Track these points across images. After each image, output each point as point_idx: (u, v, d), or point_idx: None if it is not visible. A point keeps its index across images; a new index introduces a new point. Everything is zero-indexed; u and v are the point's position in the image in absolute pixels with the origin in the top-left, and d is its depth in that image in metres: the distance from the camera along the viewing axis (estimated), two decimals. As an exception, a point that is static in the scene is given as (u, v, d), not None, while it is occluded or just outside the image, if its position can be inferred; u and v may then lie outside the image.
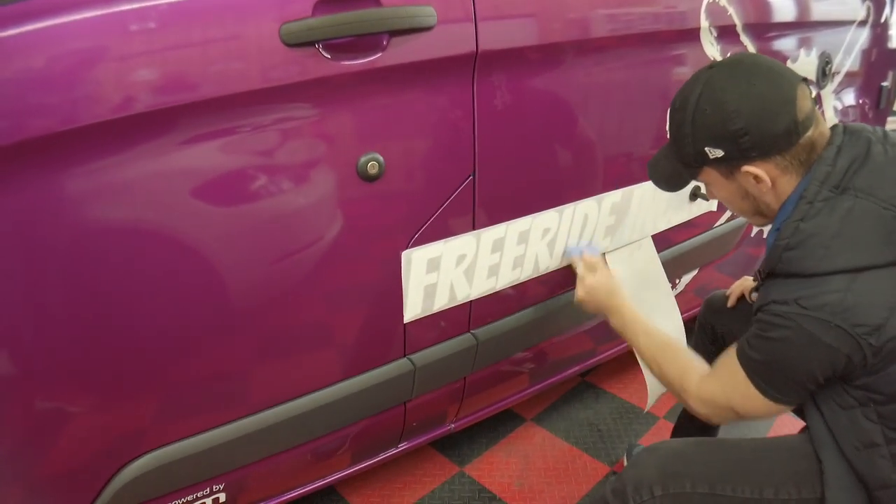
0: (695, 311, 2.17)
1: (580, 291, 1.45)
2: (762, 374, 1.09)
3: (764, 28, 1.77)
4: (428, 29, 1.10)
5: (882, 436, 1.06)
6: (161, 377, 1.11)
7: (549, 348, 1.73)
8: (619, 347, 2.00)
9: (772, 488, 1.14)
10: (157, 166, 0.97)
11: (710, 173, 1.13)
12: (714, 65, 1.10)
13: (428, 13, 1.09)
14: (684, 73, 1.61)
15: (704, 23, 1.56)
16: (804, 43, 1.95)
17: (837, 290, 0.98)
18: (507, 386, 1.74)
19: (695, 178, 1.18)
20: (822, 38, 2.03)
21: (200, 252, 1.05)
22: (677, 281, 1.97)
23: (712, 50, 1.63)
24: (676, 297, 1.94)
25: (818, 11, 1.97)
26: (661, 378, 1.29)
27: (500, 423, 2.04)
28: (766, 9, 1.76)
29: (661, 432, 1.98)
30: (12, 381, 0.98)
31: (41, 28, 0.85)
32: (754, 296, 1.59)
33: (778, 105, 1.02)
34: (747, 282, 1.61)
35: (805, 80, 1.07)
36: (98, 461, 1.11)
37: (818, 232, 1.02)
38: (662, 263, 1.78)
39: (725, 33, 1.65)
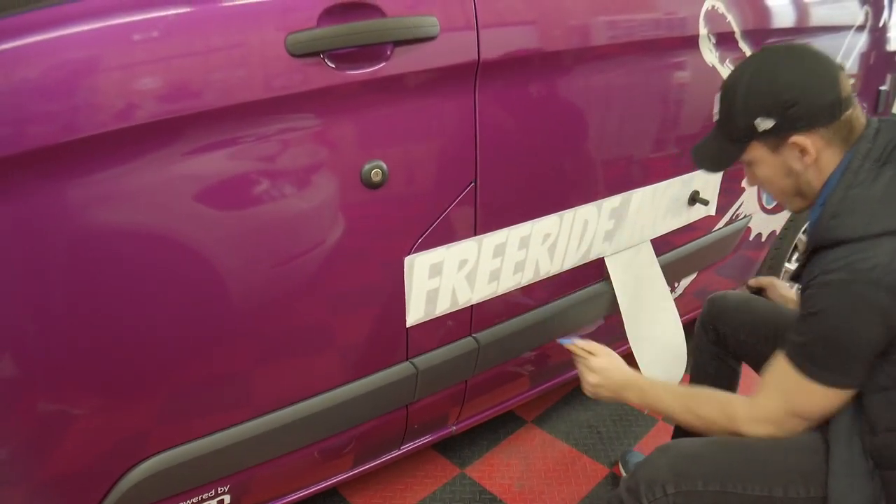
0: (694, 313, 2.19)
1: (591, 378, 1.42)
2: (816, 358, 1.09)
3: (762, 34, 1.77)
4: (431, 39, 1.12)
5: None
6: (169, 380, 1.12)
7: (549, 351, 1.74)
8: (620, 350, 1.99)
9: (780, 487, 1.16)
10: (168, 173, 0.98)
11: (757, 149, 1.18)
12: (764, 48, 1.20)
13: (431, 23, 1.10)
14: (683, 79, 1.62)
15: (703, 30, 1.57)
16: (802, 48, 1.97)
17: (886, 251, 1.02)
18: (507, 388, 1.75)
19: (741, 155, 1.21)
20: (819, 44, 2.00)
21: (208, 258, 1.07)
22: (676, 284, 1.98)
23: (711, 57, 1.64)
24: (676, 300, 1.96)
25: (816, 17, 1.98)
26: (704, 426, 1.25)
27: (501, 426, 2.05)
28: (764, 15, 1.77)
29: (660, 434, 2.00)
30: (23, 385, 0.99)
31: (57, 37, 0.87)
32: (785, 291, 1.64)
33: (824, 81, 1.10)
34: (776, 281, 1.66)
35: (843, 67, 1.15)
36: (105, 463, 1.12)
37: (865, 197, 1.07)
38: (662, 267, 1.79)
39: (724, 40, 1.66)
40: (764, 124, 1.13)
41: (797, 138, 1.12)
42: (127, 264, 1.00)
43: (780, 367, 1.15)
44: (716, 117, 1.25)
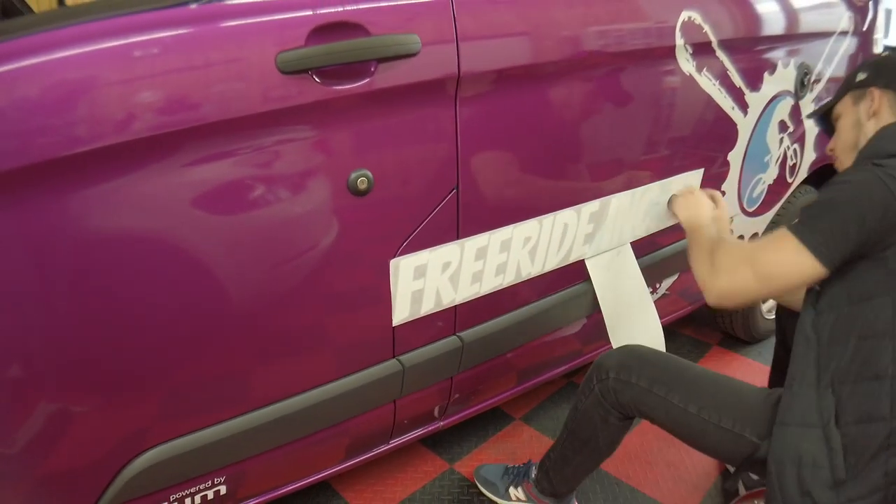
0: (676, 314, 2.24)
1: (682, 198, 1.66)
2: (808, 217, 1.16)
3: (740, 42, 1.81)
4: (413, 55, 1.17)
5: (893, 327, 1.13)
6: (169, 377, 1.17)
7: (531, 350, 1.78)
8: (602, 349, 2.04)
9: (696, 405, 1.32)
10: (169, 182, 1.04)
11: (846, 101, 1.40)
12: None
13: (413, 41, 1.16)
14: (660, 88, 1.67)
15: (680, 41, 1.62)
16: (782, 55, 2.00)
17: None
18: (492, 385, 1.79)
19: (837, 103, 1.43)
20: (801, 50, 2.07)
21: (207, 263, 1.12)
22: (658, 285, 2.02)
23: (688, 66, 1.69)
24: (658, 300, 2.01)
25: (796, 25, 2.01)
26: (695, 256, 1.40)
27: (490, 422, 2.09)
28: (741, 25, 1.80)
29: (643, 430, 2.06)
30: (34, 380, 1.04)
31: (67, 56, 0.93)
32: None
33: None
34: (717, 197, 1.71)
35: None
36: (108, 454, 1.17)
37: None
38: (645, 268, 1.83)
39: (701, 49, 1.70)
40: (860, 76, 1.37)
41: (875, 90, 1.32)
42: (129, 269, 1.06)
43: (777, 230, 1.23)
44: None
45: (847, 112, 1.39)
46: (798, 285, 1.19)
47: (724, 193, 2.00)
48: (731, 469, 1.50)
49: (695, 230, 1.50)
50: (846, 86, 1.41)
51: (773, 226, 2.31)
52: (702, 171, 1.86)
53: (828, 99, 1.53)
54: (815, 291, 1.24)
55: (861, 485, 1.14)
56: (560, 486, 1.61)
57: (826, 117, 1.50)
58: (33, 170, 0.93)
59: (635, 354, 1.43)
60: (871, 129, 1.32)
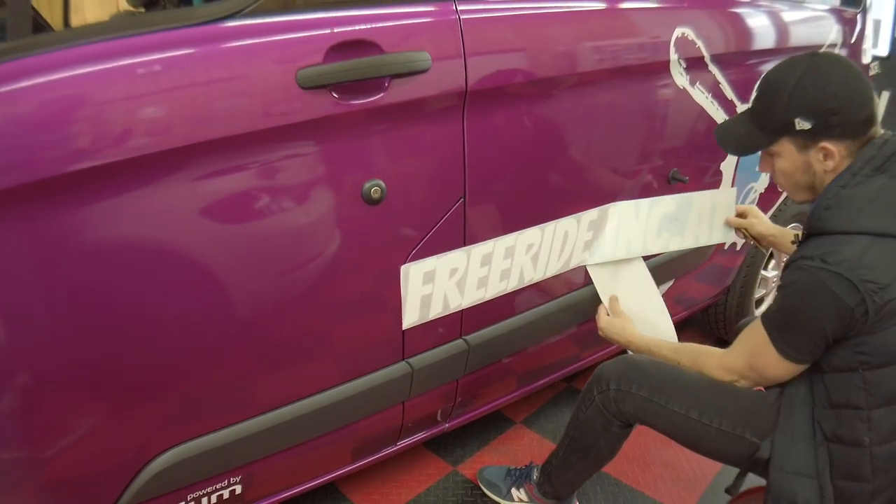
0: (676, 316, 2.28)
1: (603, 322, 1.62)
2: (779, 327, 1.22)
3: (731, 57, 1.87)
4: (424, 71, 1.23)
5: (864, 400, 1.19)
6: (188, 381, 1.21)
7: (535, 353, 1.82)
8: (600, 353, 2.09)
9: (697, 410, 1.35)
10: (193, 193, 1.09)
11: (786, 144, 1.25)
12: (815, 54, 1.26)
13: (424, 58, 1.22)
14: (655, 100, 1.72)
15: (674, 56, 1.68)
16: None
17: (857, 249, 1.13)
18: (496, 388, 1.83)
19: (769, 146, 1.29)
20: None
21: (228, 272, 1.17)
22: None
23: (682, 80, 1.74)
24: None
25: (786, 38, 2.07)
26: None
27: (492, 426, 2.11)
28: (732, 39, 1.87)
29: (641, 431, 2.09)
30: (56, 388, 1.08)
31: (98, 71, 0.98)
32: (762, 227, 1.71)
33: (865, 98, 1.20)
34: (755, 211, 1.74)
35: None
36: (129, 455, 1.20)
37: (855, 197, 1.17)
38: None
39: (694, 64, 1.76)
40: (802, 125, 1.20)
41: (827, 144, 1.20)
42: (154, 280, 1.11)
43: (755, 327, 1.28)
44: (750, 104, 1.33)
45: (789, 156, 1.26)
46: (794, 375, 1.27)
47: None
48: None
49: (642, 350, 1.52)
50: (781, 126, 1.24)
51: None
52: (734, 190, 1.82)
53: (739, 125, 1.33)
54: None
55: None
56: (562, 489, 1.66)
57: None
58: (92, 174, 0.98)
59: (634, 364, 1.45)
60: (829, 177, 1.24)
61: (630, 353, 1.55)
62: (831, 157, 1.21)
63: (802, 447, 1.27)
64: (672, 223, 1.74)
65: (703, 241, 1.80)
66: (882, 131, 1.24)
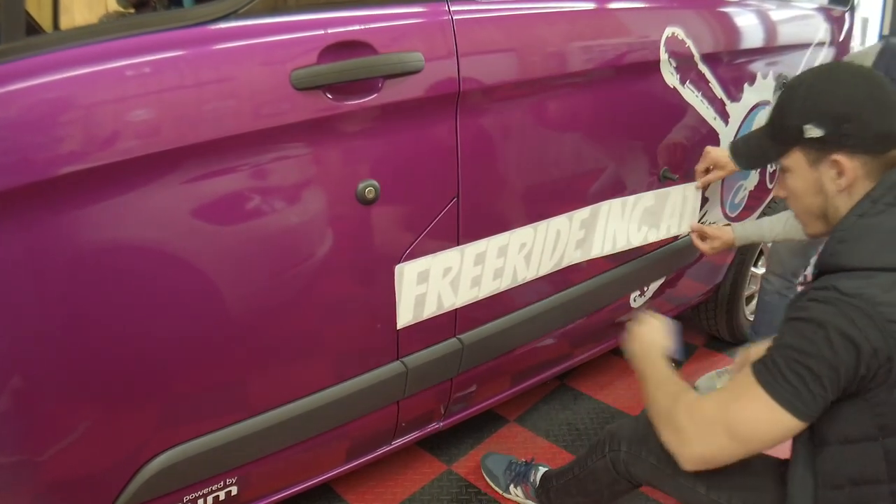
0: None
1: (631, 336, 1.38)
2: (777, 366, 1.00)
3: (721, 56, 1.89)
4: (417, 72, 1.23)
5: (886, 474, 1.01)
6: (183, 382, 1.21)
7: (528, 351, 1.83)
8: (593, 351, 2.11)
9: (704, 485, 1.22)
10: (188, 194, 1.09)
11: (797, 157, 1.13)
12: (838, 62, 1.19)
13: (417, 59, 1.23)
14: (646, 100, 1.73)
15: (664, 55, 1.69)
16: (761, 67, 2.08)
17: (879, 285, 0.96)
18: (491, 386, 1.84)
19: (779, 157, 1.17)
20: (779, 62, 2.15)
21: (222, 273, 1.17)
22: (645, 289, 2.08)
23: (672, 79, 1.75)
24: (645, 304, 2.08)
25: (774, 37, 2.09)
26: (653, 410, 1.23)
27: (485, 424, 2.12)
28: (722, 39, 1.88)
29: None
30: (52, 389, 1.08)
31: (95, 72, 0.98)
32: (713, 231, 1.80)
33: (885, 108, 1.06)
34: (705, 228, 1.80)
35: None
36: (125, 457, 1.20)
37: (875, 227, 1.03)
38: (630, 273, 1.89)
39: (684, 63, 1.77)
40: (812, 131, 1.08)
41: (839, 157, 1.07)
42: (146, 281, 1.11)
43: (743, 376, 1.07)
44: (769, 115, 1.23)
45: (800, 171, 1.14)
46: (781, 441, 1.05)
47: (707, 200, 2.08)
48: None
49: (647, 367, 1.29)
50: (792, 134, 1.13)
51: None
52: (693, 184, 1.87)
53: (753, 138, 1.27)
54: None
55: None
56: None
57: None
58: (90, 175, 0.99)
59: (648, 427, 1.26)
60: (843, 202, 1.10)
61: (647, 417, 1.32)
62: (844, 174, 1.07)
63: None
64: (651, 216, 1.82)
65: (674, 231, 1.90)
66: None
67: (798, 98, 1.13)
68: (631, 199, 1.76)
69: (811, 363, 0.98)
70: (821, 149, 1.10)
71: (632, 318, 1.46)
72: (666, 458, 1.22)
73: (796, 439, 1.12)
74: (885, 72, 1.88)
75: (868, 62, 1.88)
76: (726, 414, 1.06)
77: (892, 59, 1.90)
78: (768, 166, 2.24)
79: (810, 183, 1.13)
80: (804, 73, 1.18)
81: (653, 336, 1.34)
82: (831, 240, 1.07)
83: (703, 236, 1.88)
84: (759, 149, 1.25)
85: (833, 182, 1.10)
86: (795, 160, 1.15)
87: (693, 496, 1.26)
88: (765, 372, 1.02)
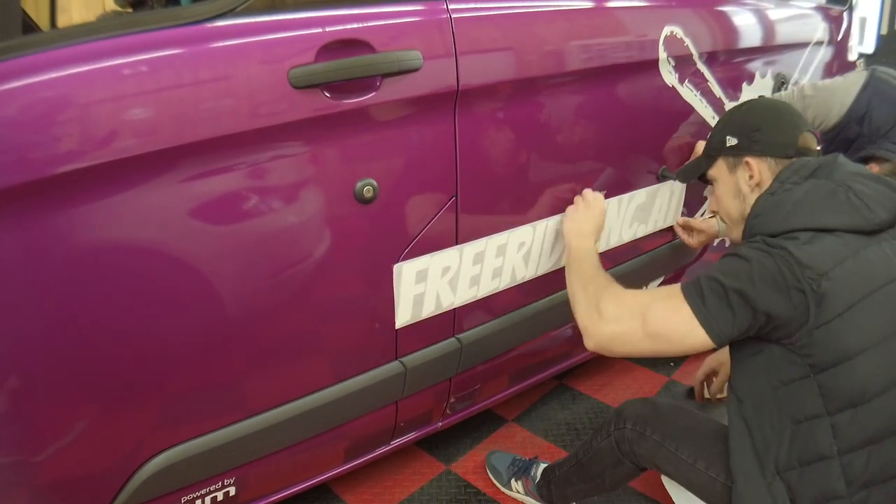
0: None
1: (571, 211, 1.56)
2: (703, 287, 1.16)
3: (720, 55, 1.90)
4: (415, 70, 1.23)
5: (824, 407, 1.13)
6: (181, 383, 1.21)
7: (527, 351, 1.83)
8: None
9: (704, 462, 1.34)
10: (185, 193, 1.09)
11: (721, 166, 1.38)
12: (760, 97, 1.41)
13: (415, 57, 1.22)
14: (645, 99, 1.74)
15: (663, 54, 1.70)
16: (759, 66, 2.09)
17: (797, 240, 1.13)
18: (489, 386, 1.84)
19: (708, 168, 1.42)
20: (777, 61, 2.16)
21: (220, 272, 1.17)
22: (645, 287, 2.07)
23: (671, 78, 1.76)
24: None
25: (773, 37, 2.09)
26: (577, 293, 1.37)
27: (484, 424, 2.11)
28: (721, 38, 1.89)
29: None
30: (50, 389, 1.08)
31: (90, 71, 0.98)
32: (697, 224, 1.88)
33: (788, 124, 1.33)
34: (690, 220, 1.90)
35: (812, 130, 1.36)
36: (123, 457, 1.20)
37: (784, 200, 1.21)
38: (630, 271, 1.89)
39: (683, 62, 1.77)
40: (731, 141, 1.35)
41: (750, 159, 1.31)
42: (145, 280, 1.10)
43: (672, 286, 1.23)
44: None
45: (723, 178, 1.38)
46: (687, 352, 1.20)
47: (704, 198, 2.09)
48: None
49: (574, 249, 1.47)
50: (717, 147, 1.38)
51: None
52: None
53: (693, 159, 1.52)
54: (731, 381, 1.28)
55: None
56: (558, 500, 1.66)
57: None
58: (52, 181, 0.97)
59: (654, 408, 1.44)
60: (754, 200, 1.28)
61: (653, 398, 1.52)
62: (753, 175, 1.31)
63: (753, 489, 1.21)
64: (641, 213, 1.85)
65: (660, 225, 1.94)
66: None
67: (724, 121, 1.42)
68: (626, 197, 1.77)
69: (732, 290, 1.13)
70: (737, 155, 1.35)
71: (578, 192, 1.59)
72: (668, 434, 1.37)
73: (731, 408, 1.26)
74: (865, 106, 1.96)
75: (850, 96, 2.00)
76: (648, 308, 1.22)
77: (873, 95, 1.96)
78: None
79: (730, 187, 1.37)
80: (734, 107, 1.45)
81: (590, 224, 1.51)
82: (749, 219, 1.26)
83: (689, 229, 1.91)
84: (694, 163, 1.51)
85: (746, 183, 1.33)
86: (719, 169, 1.39)
87: (692, 473, 1.35)
88: (692, 289, 1.18)
